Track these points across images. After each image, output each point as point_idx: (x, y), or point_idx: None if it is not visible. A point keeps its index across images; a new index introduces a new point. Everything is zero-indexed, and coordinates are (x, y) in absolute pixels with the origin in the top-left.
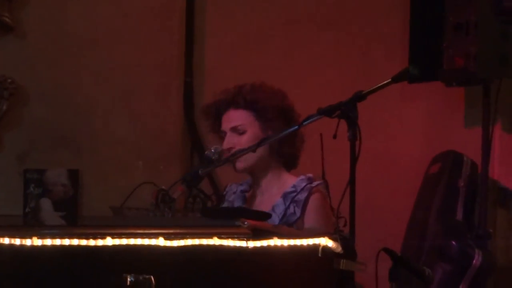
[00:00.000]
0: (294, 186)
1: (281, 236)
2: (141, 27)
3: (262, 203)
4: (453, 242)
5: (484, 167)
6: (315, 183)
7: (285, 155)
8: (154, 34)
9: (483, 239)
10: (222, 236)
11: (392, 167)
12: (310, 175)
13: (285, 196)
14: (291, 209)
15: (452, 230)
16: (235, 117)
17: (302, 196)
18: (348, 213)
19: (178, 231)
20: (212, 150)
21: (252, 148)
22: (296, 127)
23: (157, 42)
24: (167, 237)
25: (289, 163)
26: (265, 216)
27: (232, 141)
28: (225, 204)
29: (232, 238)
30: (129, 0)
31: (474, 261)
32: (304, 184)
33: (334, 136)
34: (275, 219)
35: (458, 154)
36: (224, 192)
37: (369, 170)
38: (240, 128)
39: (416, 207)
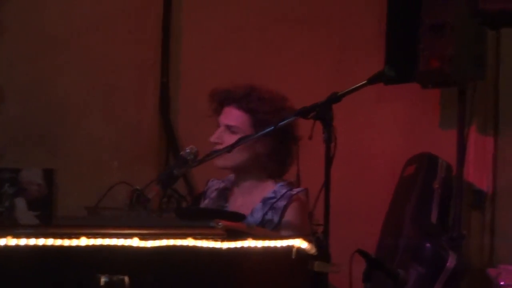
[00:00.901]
0: (274, 192)
1: (255, 237)
2: (118, 27)
3: (242, 206)
4: (427, 244)
5: (459, 169)
6: (295, 191)
7: (270, 170)
8: (131, 33)
9: (457, 241)
10: (197, 236)
11: (368, 168)
12: (292, 180)
13: (264, 201)
14: (269, 216)
15: (427, 232)
16: (233, 116)
17: (281, 204)
18: (322, 214)
19: (152, 231)
20: (188, 151)
21: (227, 149)
22: (271, 128)
23: (133, 41)
24: (142, 237)
25: (273, 175)
26: (239, 217)
27: (221, 137)
28: (206, 200)
29: (207, 238)
30: None
31: (448, 263)
32: (284, 190)
33: (310, 137)
34: (253, 224)
35: (433, 156)
36: (206, 188)
37: (344, 171)
38: (234, 128)
39: (391, 208)
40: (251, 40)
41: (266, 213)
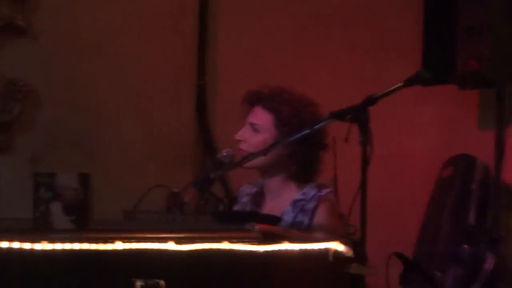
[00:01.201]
0: (303, 193)
1: (291, 240)
2: (154, 30)
3: (273, 209)
4: (465, 246)
5: (497, 171)
6: (324, 191)
7: (292, 172)
8: (167, 36)
9: (495, 243)
10: (233, 240)
11: (405, 170)
12: (321, 182)
13: (294, 203)
14: (300, 218)
15: (465, 233)
16: (258, 115)
17: (311, 205)
18: (359, 217)
19: (188, 235)
20: (224, 154)
21: (263, 152)
22: (307, 131)
23: (169, 44)
24: (177, 241)
25: (297, 178)
26: (276, 220)
27: (244, 135)
28: (237, 206)
29: (243, 242)
30: (142, 2)
31: (486, 265)
32: (313, 192)
33: (346, 140)
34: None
35: (471, 158)
36: (238, 193)
37: (381, 174)
38: (256, 127)
39: (428, 210)
40: (286, 41)
41: (296, 216)
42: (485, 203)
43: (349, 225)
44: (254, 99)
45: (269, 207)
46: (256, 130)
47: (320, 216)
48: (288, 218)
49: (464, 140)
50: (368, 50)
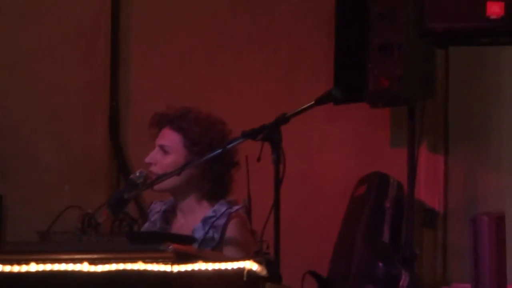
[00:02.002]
0: (214, 210)
1: (205, 259)
2: (67, 51)
3: (183, 227)
4: (380, 264)
5: (410, 188)
6: (234, 208)
7: (204, 191)
8: (80, 57)
9: (409, 261)
10: (147, 260)
11: (318, 189)
12: (231, 199)
13: (204, 220)
14: (210, 234)
15: (379, 251)
16: (167, 136)
17: (221, 222)
18: (273, 236)
19: (102, 256)
20: (137, 174)
21: (176, 172)
22: (219, 150)
23: (82, 65)
24: (92, 262)
25: (209, 197)
26: (190, 240)
27: (154, 158)
28: (148, 224)
29: (157, 262)
30: (55, 23)
31: (401, 283)
32: (224, 208)
33: (258, 159)
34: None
35: (384, 175)
36: (148, 210)
37: (295, 192)
38: (166, 148)
39: (342, 229)
40: (199, 62)
41: (207, 232)
42: (399, 220)
43: (261, 241)
44: (161, 121)
45: (180, 225)
46: (166, 152)
47: (231, 232)
48: (199, 234)
49: (377, 158)
50: (280, 69)
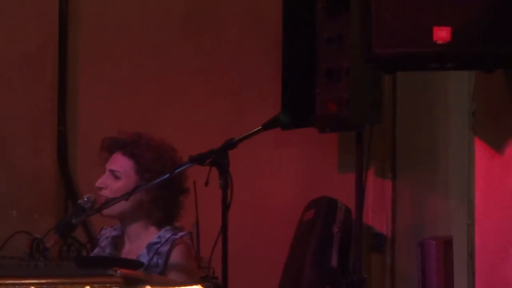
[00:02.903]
0: (159, 236)
1: (153, 284)
2: (14, 75)
3: (129, 252)
4: None
5: (358, 213)
6: (179, 234)
7: (154, 217)
8: (27, 82)
9: (358, 285)
10: (95, 285)
11: (266, 213)
12: (177, 225)
13: (149, 247)
14: (154, 261)
15: (327, 276)
16: (118, 162)
17: (165, 248)
18: (221, 261)
19: (50, 280)
20: (85, 199)
21: (124, 197)
22: (167, 175)
23: (29, 90)
24: (40, 287)
25: (158, 223)
26: (138, 265)
27: (105, 182)
28: (97, 249)
29: (105, 286)
30: (2, 47)
31: None
32: (168, 235)
33: (206, 184)
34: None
35: (332, 200)
36: (98, 236)
37: (243, 217)
38: (116, 173)
39: (291, 253)
40: (147, 88)
41: (151, 259)
42: (347, 245)
43: (207, 267)
44: (112, 146)
45: (126, 251)
46: (117, 177)
47: (175, 258)
48: (143, 261)
49: (325, 183)
50: (228, 95)
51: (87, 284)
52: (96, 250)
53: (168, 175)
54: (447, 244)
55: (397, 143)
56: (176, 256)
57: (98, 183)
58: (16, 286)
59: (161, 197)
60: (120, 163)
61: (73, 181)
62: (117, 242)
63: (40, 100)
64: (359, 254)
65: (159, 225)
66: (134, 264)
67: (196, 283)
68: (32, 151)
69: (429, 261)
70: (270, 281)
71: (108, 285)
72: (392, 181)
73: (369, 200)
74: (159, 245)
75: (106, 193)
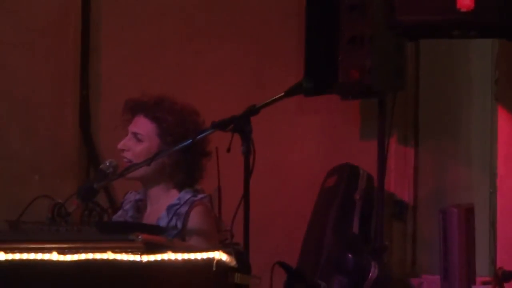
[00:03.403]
0: (178, 198)
1: (175, 250)
2: (37, 40)
3: (150, 215)
4: (349, 255)
5: (380, 180)
6: (198, 196)
7: (176, 180)
8: (49, 46)
9: (379, 252)
10: (116, 250)
11: (288, 180)
12: (198, 187)
13: (169, 208)
14: (173, 222)
15: (349, 243)
16: (140, 124)
17: (183, 209)
18: (242, 227)
19: (71, 245)
20: (107, 164)
21: (146, 162)
22: (189, 141)
23: (52, 55)
24: (61, 251)
25: (179, 186)
26: (160, 230)
27: (127, 145)
28: (120, 211)
29: (126, 252)
30: (23, 12)
31: (370, 274)
32: (188, 196)
33: (228, 150)
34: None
35: (354, 167)
36: (123, 200)
37: (265, 183)
38: (139, 136)
39: (312, 220)
40: (170, 52)
41: (171, 220)
42: (368, 212)
43: (226, 230)
44: (135, 108)
45: (147, 214)
46: (139, 140)
47: (193, 220)
48: (163, 223)
49: (347, 150)
50: (251, 60)
51: (108, 249)
52: (119, 213)
53: (190, 140)
54: (468, 212)
55: (420, 110)
56: (194, 217)
57: (121, 145)
58: (38, 251)
59: (184, 161)
60: (143, 125)
61: (95, 146)
62: (140, 205)
63: (63, 65)
64: (380, 221)
65: (180, 187)
66: (156, 229)
67: (218, 249)
68: (54, 115)
69: (450, 228)
70: (291, 247)
71: (129, 250)
72: (414, 149)
73: (391, 168)
74: (178, 206)
75: (128, 155)
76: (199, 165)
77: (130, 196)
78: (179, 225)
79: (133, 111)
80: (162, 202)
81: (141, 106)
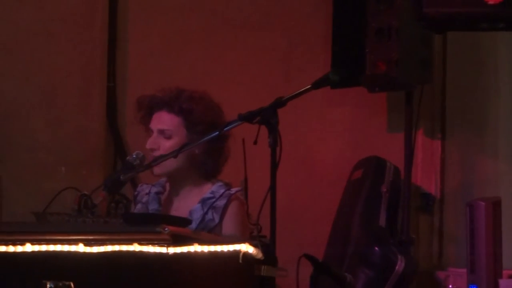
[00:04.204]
0: (212, 192)
1: (201, 242)
2: (64, 30)
3: (179, 208)
4: (376, 248)
5: (406, 173)
6: (233, 190)
7: (207, 169)
8: (76, 38)
9: (405, 245)
10: (143, 242)
11: (315, 173)
12: (227, 181)
13: (203, 201)
14: (210, 215)
15: (375, 236)
16: (165, 120)
17: (221, 203)
18: (269, 219)
19: (98, 237)
20: (134, 156)
21: (173, 154)
22: (216, 133)
23: (79, 46)
24: (87, 243)
25: (209, 175)
26: (186, 222)
27: (156, 143)
28: (137, 206)
29: (153, 244)
30: (52, 4)
31: (396, 267)
32: (222, 190)
33: (255, 142)
34: (192, 224)
35: (381, 160)
36: (136, 193)
37: (291, 176)
38: (167, 132)
39: (339, 213)
40: (197, 44)
41: (206, 213)
42: (395, 205)
43: (256, 224)
44: (154, 105)
45: (174, 207)
46: (167, 136)
47: (231, 214)
48: (197, 215)
49: (374, 143)
50: (277, 53)
51: (134, 241)
52: (138, 206)
53: (217, 132)
54: (496, 205)
55: (447, 103)
56: (232, 211)
57: (149, 145)
58: (64, 242)
59: (214, 147)
60: (168, 121)
61: (121, 137)
62: (159, 198)
63: (90, 57)
64: (407, 214)
65: (211, 178)
66: (182, 221)
67: (244, 242)
68: (81, 107)
69: (477, 221)
70: (317, 240)
71: (155, 242)
72: (441, 142)
73: (418, 161)
74: (213, 199)
75: (158, 154)
76: (223, 149)
77: (143, 188)
78: (216, 218)
79: (151, 108)
80: (193, 195)
81: (161, 101)
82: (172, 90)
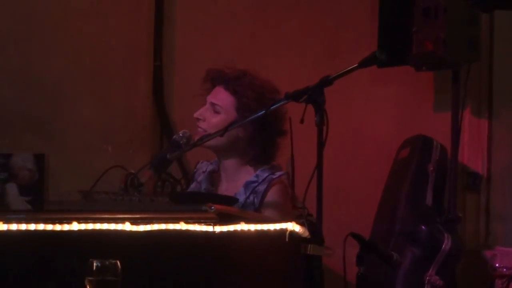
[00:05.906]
0: (256, 175)
1: (248, 220)
2: (110, 9)
3: (227, 190)
4: (423, 227)
5: (453, 152)
6: (277, 174)
7: (250, 155)
8: (123, 16)
9: (452, 224)
10: (189, 221)
11: (361, 151)
12: (275, 164)
13: (246, 185)
14: (251, 199)
15: (422, 214)
16: (219, 96)
17: (262, 188)
18: (315, 198)
19: (144, 215)
20: (180, 135)
21: (220, 133)
22: (263, 111)
23: (126, 25)
24: (134, 221)
25: (254, 161)
26: (232, 200)
27: (204, 114)
28: (194, 184)
29: (199, 223)
30: None
31: (443, 246)
32: (266, 174)
33: (301, 121)
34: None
35: (428, 139)
36: (195, 170)
37: (337, 155)
38: (217, 107)
39: (385, 191)
40: (243, 24)
41: (248, 197)
42: (442, 184)
43: (301, 207)
44: (216, 79)
45: (224, 188)
46: (216, 111)
47: (270, 198)
48: (240, 199)
49: (420, 122)
50: (324, 31)
51: (181, 219)
52: (193, 185)
53: (264, 111)
54: None
55: (494, 82)
56: (272, 195)
57: (197, 114)
58: (111, 221)
59: (258, 136)
60: (222, 97)
61: (168, 116)
62: (214, 177)
63: (137, 36)
64: (454, 193)
65: (255, 164)
66: (229, 200)
67: (291, 220)
68: (128, 86)
69: None
70: (364, 219)
71: (202, 221)
72: (488, 121)
73: (465, 139)
74: (256, 184)
75: (203, 125)
76: (274, 142)
77: (202, 166)
78: (256, 202)
79: (213, 81)
80: (239, 178)
81: (223, 77)
82: (237, 70)
